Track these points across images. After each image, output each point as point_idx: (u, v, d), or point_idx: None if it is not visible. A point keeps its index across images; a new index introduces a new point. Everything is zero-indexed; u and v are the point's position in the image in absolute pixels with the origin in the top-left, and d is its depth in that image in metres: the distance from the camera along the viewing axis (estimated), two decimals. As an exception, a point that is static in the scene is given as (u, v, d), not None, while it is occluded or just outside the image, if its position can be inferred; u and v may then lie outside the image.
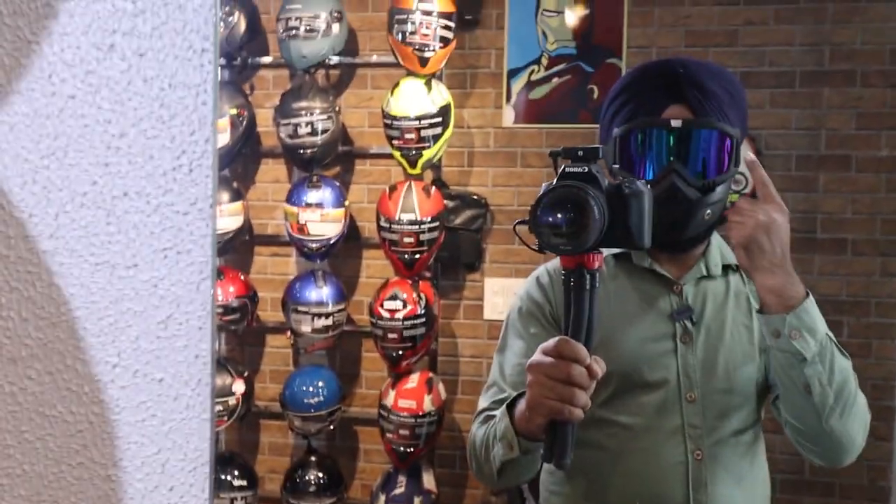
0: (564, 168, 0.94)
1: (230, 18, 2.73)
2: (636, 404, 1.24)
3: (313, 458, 2.85)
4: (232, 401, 2.76)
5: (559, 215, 0.90)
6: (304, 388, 2.77)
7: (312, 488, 2.79)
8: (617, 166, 1.23)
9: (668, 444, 1.23)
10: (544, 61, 2.93)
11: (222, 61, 2.87)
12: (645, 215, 0.95)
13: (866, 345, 2.81)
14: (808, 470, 2.83)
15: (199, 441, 0.51)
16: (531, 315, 1.31)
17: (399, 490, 2.75)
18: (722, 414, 1.25)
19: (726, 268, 1.31)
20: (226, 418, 2.75)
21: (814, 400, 1.13)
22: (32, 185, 0.51)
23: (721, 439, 1.24)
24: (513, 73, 2.95)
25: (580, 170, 0.93)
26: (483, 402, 1.30)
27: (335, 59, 2.88)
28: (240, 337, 2.87)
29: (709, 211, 1.20)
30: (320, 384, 2.78)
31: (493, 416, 1.20)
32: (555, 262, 1.34)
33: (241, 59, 2.85)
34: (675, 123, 1.19)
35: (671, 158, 1.18)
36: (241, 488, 2.79)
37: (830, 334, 1.16)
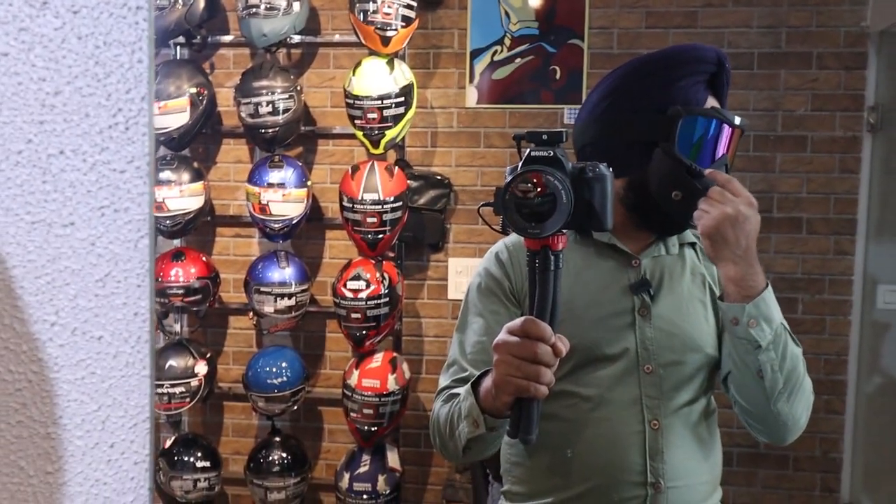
0: (530, 152, 0.95)
1: (189, -5, 2.69)
2: (595, 376, 1.27)
3: (277, 439, 2.85)
4: (194, 382, 2.74)
5: (527, 199, 0.91)
6: (268, 369, 2.76)
7: (276, 468, 2.79)
8: (668, 144, 1.21)
9: (625, 414, 1.25)
10: (507, 42, 2.93)
11: (182, 40, 2.83)
12: (608, 198, 0.97)
13: (820, 321, 2.89)
14: (763, 443, 2.91)
15: (140, 397, 0.51)
16: (490, 292, 1.32)
17: (363, 469, 2.76)
18: (677, 385, 1.28)
19: (682, 244, 1.34)
20: (188, 400, 2.74)
21: (764, 384, 1.18)
22: (-34, 143, 0.51)
23: (676, 409, 1.27)
24: (476, 54, 2.95)
25: (545, 153, 0.94)
26: (444, 381, 1.31)
27: (297, 38, 2.85)
28: (202, 318, 2.85)
29: None
30: (284, 365, 2.78)
31: (457, 395, 1.21)
32: (513, 238, 1.35)
33: (200, 37, 2.81)
34: (738, 121, 1.25)
35: (724, 153, 1.24)
36: (204, 469, 2.78)
37: (785, 323, 1.20)
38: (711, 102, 1.25)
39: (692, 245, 1.36)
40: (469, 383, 1.15)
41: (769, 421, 1.23)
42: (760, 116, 2.87)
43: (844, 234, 2.86)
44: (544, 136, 0.95)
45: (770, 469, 2.93)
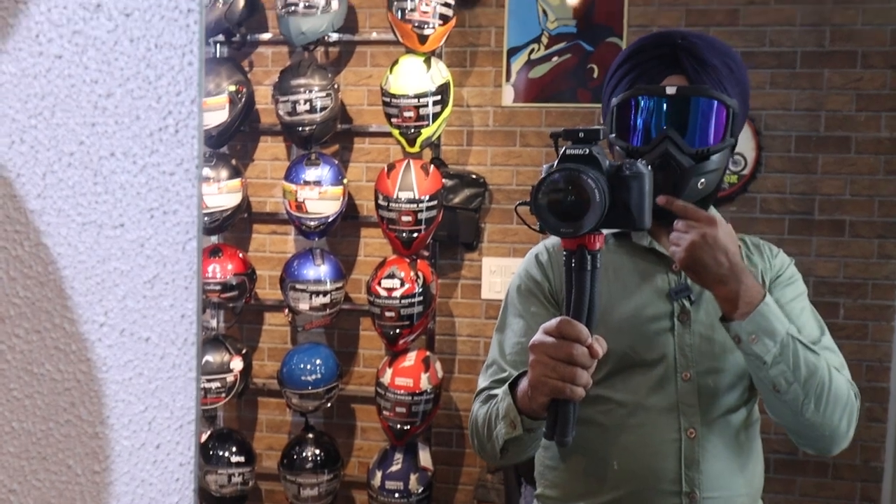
0: (565, 150, 0.94)
1: (229, -6, 2.72)
2: (632, 382, 1.25)
3: (310, 436, 2.87)
4: (230, 378, 2.77)
5: (560, 198, 0.90)
6: (302, 366, 2.78)
7: (309, 465, 2.81)
8: (613, 135, 1.24)
9: (662, 421, 1.23)
10: (544, 40, 2.91)
11: (221, 38, 2.86)
12: (645, 196, 0.95)
13: (862, 326, 2.82)
14: (801, 451, 2.85)
15: (186, 399, 0.51)
16: (530, 293, 1.31)
17: (395, 467, 2.77)
18: (716, 393, 1.25)
19: None
20: (224, 395, 2.77)
21: (783, 397, 1.16)
22: (20, 144, 0.51)
23: (714, 418, 1.25)
24: (513, 52, 2.93)
25: (581, 152, 0.93)
26: (483, 382, 1.30)
27: (334, 37, 2.86)
28: (238, 315, 2.88)
29: (703, 180, 1.20)
30: (318, 362, 2.79)
31: (495, 396, 1.21)
32: (553, 240, 1.34)
33: (239, 35, 2.84)
34: (670, 90, 1.19)
35: (665, 125, 1.19)
36: (238, 464, 2.81)
37: (793, 332, 1.17)
38: (673, 81, 1.22)
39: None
40: (507, 384, 1.15)
41: (806, 432, 1.21)
42: (802, 116, 2.81)
43: (889, 237, 2.79)
44: (581, 134, 0.94)
45: (809, 477, 2.87)
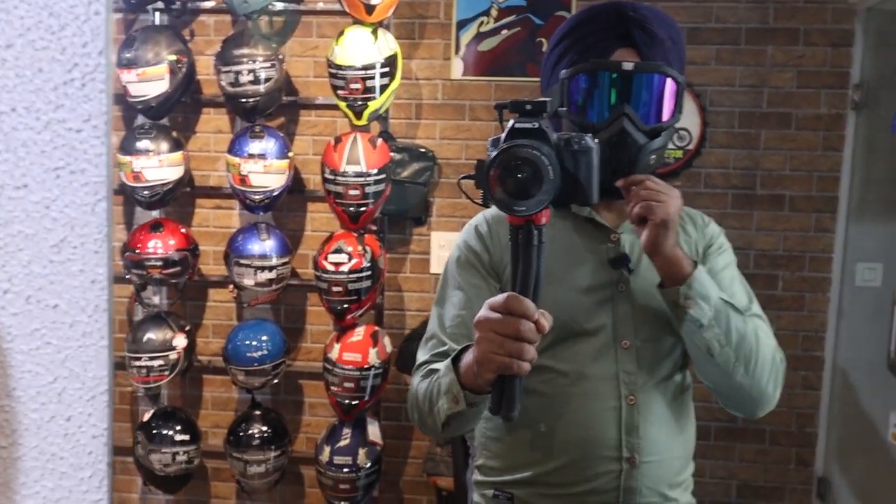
0: (514, 123, 0.92)
1: (167, -41, 2.62)
2: (573, 351, 1.26)
3: (257, 412, 2.84)
4: (173, 355, 2.71)
5: (513, 174, 0.88)
6: (248, 342, 2.74)
7: (256, 442, 2.78)
8: (564, 109, 1.22)
9: (602, 389, 1.25)
10: (493, 13, 2.89)
11: (160, 5, 2.76)
12: (593, 171, 0.94)
13: (799, 297, 2.90)
14: (740, 418, 2.93)
15: (98, 368, 0.49)
16: (470, 265, 1.30)
17: (344, 442, 2.76)
18: (653, 360, 1.27)
19: None
20: (167, 373, 2.71)
21: (717, 361, 1.20)
22: (-89, 98, 0.47)
23: (652, 385, 1.27)
24: (462, 24, 2.90)
25: (530, 125, 0.91)
26: (423, 356, 1.29)
27: (279, 6, 2.79)
28: (181, 291, 2.81)
29: (653, 157, 1.21)
30: (264, 338, 2.75)
31: (436, 370, 1.20)
32: (493, 210, 1.33)
33: (180, 2, 2.75)
34: (627, 66, 1.19)
35: (622, 102, 1.18)
36: (183, 443, 2.76)
37: (725, 297, 1.21)
38: (624, 55, 1.22)
39: None
40: (449, 359, 1.14)
41: (735, 396, 1.25)
42: (746, 92, 2.85)
43: (825, 211, 2.87)
44: (528, 107, 0.92)
45: (747, 443, 2.96)
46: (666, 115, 1.21)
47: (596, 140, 0.96)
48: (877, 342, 2.68)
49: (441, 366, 1.18)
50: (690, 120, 2.86)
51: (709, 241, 1.36)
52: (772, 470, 2.97)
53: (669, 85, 1.21)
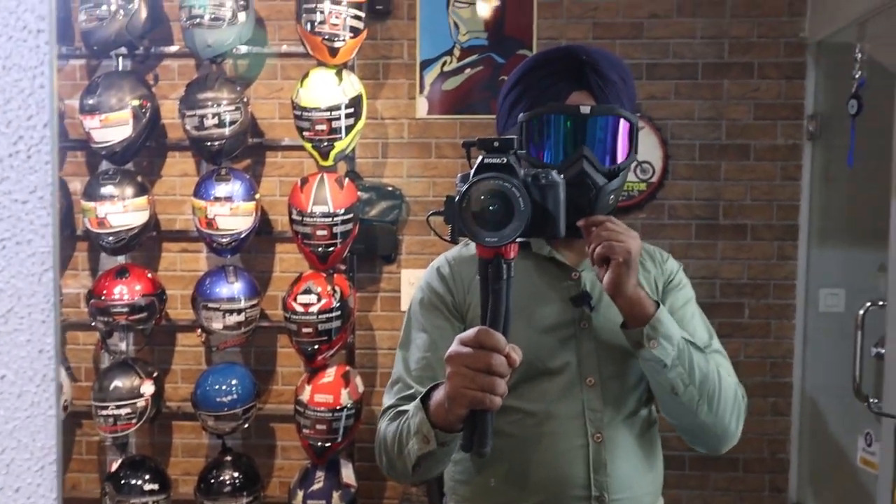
0: (483, 159, 0.94)
1: (130, 6, 2.63)
2: (539, 390, 1.26)
3: (228, 458, 2.79)
4: (141, 403, 2.67)
5: (484, 207, 0.90)
6: (217, 387, 2.71)
7: (228, 488, 2.73)
8: (523, 152, 1.24)
9: (569, 428, 1.25)
10: (456, 52, 2.94)
11: (123, 51, 2.76)
12: (560, 205, 0.97)
13: (765, 325, 2.94)
14: (714, 447, 2.95)
15: (46, 438, 0.48)
16: (433, 307, 1.30)
17: (317, 485, 2.72)
18: (619, 397, 1.28)
19: None
20: (135, 421, 2.66)
21: (680, 399, 1.21)
22: None
23: (619, 421, 1.27)
24: (425, 64, 2.95)
25: (499, 161, 0.93)
26: (388, 399, 1.28)
27: (243, 49, 2.81)
28: (148, 337, 2.78)
29: (612, 196, 1.24)
30: (233, 382, 2.72)
31: (404, 412, 1.19)
32: (455, 252, 1.34)
33: (143, 48, 2.75)
34: (585, 110, 1.21)
35: (580, 144, 1.20)
36: (152, 492, 2.71)
37: (687, 336, 1.23)
38: (579, 98, 1.25)
39: None
40: (419, 399, 1.13)
41: (698, 433, 1.27)
42: (706, 125, 2.92)
43: (787, 239, 2.93)
44: (495, 143, 0.94)
45: (721, 472, 2.97)
46: (622, 156, 1.24)
47: (561, 175, 0.98)
48: (842, 367, 2.72)
49: (409, 407, 1.17)
50: (653, 153, 2.92)
51: (668, 278, 1.38)
52: (746, 498, 2.98)
53: (624, 126, 1.24)
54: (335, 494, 2.72)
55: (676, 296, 1.35)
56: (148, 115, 2.68)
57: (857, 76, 2.54)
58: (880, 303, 2.30)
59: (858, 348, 2.45)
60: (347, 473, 2.78)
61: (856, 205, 2.92)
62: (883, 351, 2.22)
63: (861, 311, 2.44)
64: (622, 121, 1.23)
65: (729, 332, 2.93)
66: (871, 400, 2.28)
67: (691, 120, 2.92)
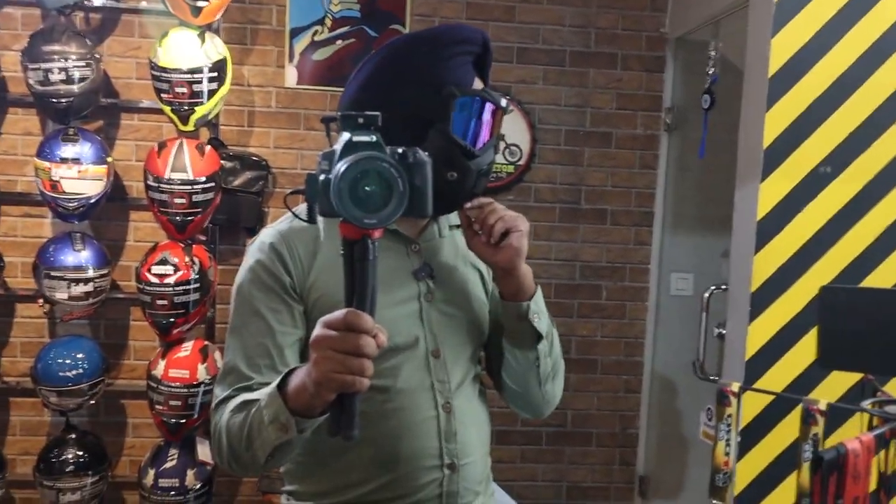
0: (351, 137, 0.90)
1: (-34, -56, 2.39)
2: (388, 367, 1.24)
3: (72, 436, 2.63)
4: (-28, 377, 2.47)
5: (363, 188, 0.86)
6: (61, 361, 2.54)
7: (70, 468, 2.57)
8: (443, 126, 1.21)
9: (419, 400, 1.25)
10: (328, 22, 2.87)
11: (-39, -6, 2.52)
12: (428, 183, 0.95)
13: (621, 306, 3.08)
14: (569, 422, 3.07)
15: None
16: (268, 289, 1.21)
17: (170, 464, 2.62)
18: (462, 366, 1.30)
19: (449, 227, 1.37)
20: (-35, 397, 2.46)
21: (540, 370, 1.27)
22: None
23: (462, 390, 1.29)
24: (295, 32, 2.86)
25: (369, 139, 0.89)
26: (223, 391, 1.19)
27: (97, 2, 2.62)
28: (-17, 306, 2.57)
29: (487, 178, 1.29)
30: (79, 356, 2.56)
31: (249, 403, 1.13)
32: (284, 225, 1.27)
33: (-17, -8, 2.52)
34: (503, 101, 1.26)
35: (496, 133, 1.25)
36: (-17, 473, 2.52)
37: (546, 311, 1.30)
38: (478, 83, 1.26)
39: (458, 227, 1.38)
40: (273, 386, 1.08)
41: (536, 401, 1.34)
42: (571, 112, 3.01)
43: (643, 225, 3.07)
44: (360, 120, 0.90)
45: (575, 446, 3.10)
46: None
47: (427, 153, 0.97)
48: (689, 347, 2.89)
49: (259, 395, 1.11)
50: (521, 136, 2.97)
51: None
52: (598, 471, 3.13)
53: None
54: (189, 472, 2.63)
55: None
56: (-15, 65, 2.45)
57: (710, 72, 2.68)
58: (723, 287, 2.46)
59: (703, 329, 2.62)
60: (203, 451, 2.69)
61: (705, 194, 3.10)
62: (725, 332, 2.38)
63: (706, 294, 2.61)
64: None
65: (587, 313, 3.05)
66: (712, 378, 2.44)
67: (558, 106, 3.00)
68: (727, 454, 1.62)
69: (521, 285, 1.23)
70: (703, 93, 2.67)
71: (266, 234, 1.26)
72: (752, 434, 2.15)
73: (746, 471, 2.17)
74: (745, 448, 2.14)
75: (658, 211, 3.08)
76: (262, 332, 1.20)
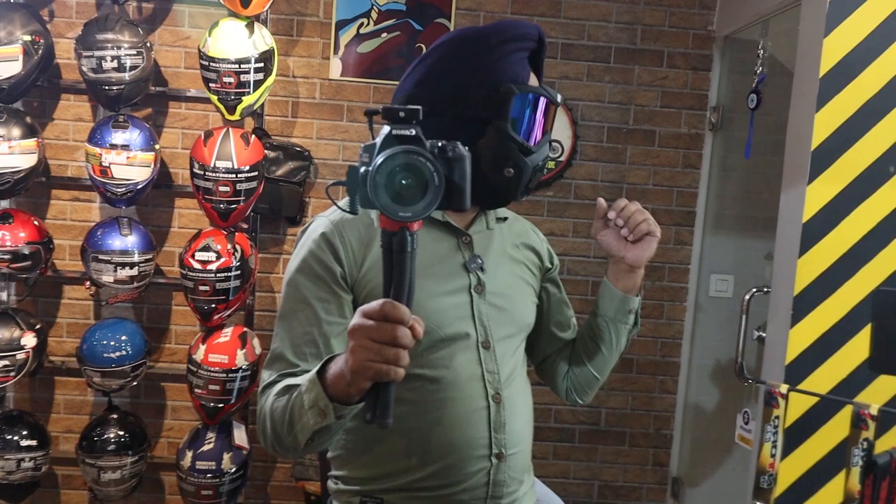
0: (391, 130, 0.91)
1: (26, -67, 2.45)
2: (439, 357, 1.26)
3: (114, 416, 2.70)
4: (21, 355, 2.54)
5: (399, 182, 0.88)
6: (105, 342, 2.60)
7: (112, 447, 2.64)
8: (503, 122, 1.23)
9: (470, 391, 1.26)
10: (374, 15, 2.88)
11: (19, -18, 2.58)
12: (467, 178, 0.95)
13: (659, 306, 3.06)
14: (603, 421, 3.06)
15: None
16: (318, 278, 1.24)
17: (208, 447, 2.67)
18: (511, 357, 1.32)
19: (497, 219, 1.39)
20: (13, 374, 2.53)
21: (615, 357, 1.44)
22: None
23: (511, 380, 1.31)
24: (341, 25, 2.88)
25: (408, 132, 0.90)
26: (269, 376, 1.22)
27: (150, -9, 2.67)
28: (32, 287, 2.64)
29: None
30: (123, 338, 2.62)
31: (293, 387, 1.15)
32: (337, 216, 1.28)
33: (39, -19, 2.58)
34: (560, 99, 1.31)
35: (549, 131, 1.30)
36: (29, 448, 2.59)
37: None
38: (533, 79, 1.27)
39: (504, 220, 1.40)
40: (313, 372, 1.10)
41: (593, 385, 1.47)
42: (615, 109, 2.98)
43: (684, 225, 3.04)
44: (401, 114, 0.91)
45: (609, 445, 3.09)
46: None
47: (466, 147, 0.97)
48: (726, 349, 2.86)
49: (301, 380, 1.14)
50: (563, 133, 2.96)
51: (550, 258, 1.49)
52: (631, 470, 3.11)
53: None
54: (226, 456, 2.67)
55: (556, 276, 1.50)
56: (41, 52, 2.52)
57: (758, 71, 2.64)
58: (765, 289, 2.43)
59: (742, 332, 2.59)
60: (240, 435, 2.74)
61: (749, 195, 3.05)
62: (764, 335, 2.35)
63: (747, 297, 2.57)
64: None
65: (624, 311, 3.02)
66: (756, 380, 2.41)
67: (601, 102, 2.98)
68: (773, 456, 1.61)
69: (637, 282, 1.38)
70: (749, 92, 2.63)
71: (319, 224, 1.28)
72: (795, 437, 2.13)
73: (787, 473, 2.14)
74: (786, 451, 2.12)
75: (700, 211, 3.04)
76: (310, 322, 1.22)
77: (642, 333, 3.05)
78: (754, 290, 2.56)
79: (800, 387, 2.08)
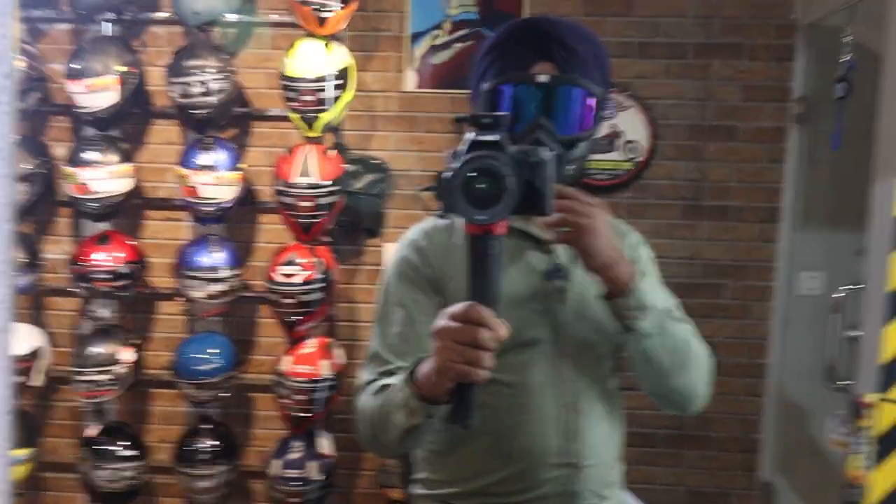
0: (474, 136, 0.94)
1: (116, -31, 2.59)
2: (515, 362, 1.27)
3: (206, 426, 2.80)
4: (120, 369, 2.67)
5: (476, 185, 0.90)
6: (197, 356, 2.71)
7: (205, 456, 2.74)
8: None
9: (545, 397, 1.27)
10: (447, 26, 2.92)
11: (111, 16, 2.73)
12: (547, 183, 0.97)
13: (745, 306, 2.96)
14: (686, 425, 2.98)
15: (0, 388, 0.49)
16: (410, 280, 1.29)
17: (295, 455, 2.74)
18: (591, 366, 1.30)
19: None
20: (114, 388, 2.67)
21: (657, 367, 1.23)
22: None
23: (591, 390, 1.29)
24: (416, 37, 2.92)
25: (489, 138, 0.93)
26: (367, 375, 1.27)
27: (232, 17, 2.78)
28: (129, 304, 2.77)
29: (572, 167, 1.24)
30: (214, 351, 2.73)
31: (387, 387, 1.19)
32: (429, 223, 1.33)
33: (131, 14, 2.72)
34: (542, 79, 1.22)
35: (538, 114, 1.21)
36: (128, 458, 2.72)
37: (668, 305, 1.26)
38: (543, 69, 1.24)
39: None
40: (406, 373, 1.14)
41: (671, 397, 1.30)
42: (694, 106, 2.92)
43: (769, 222, 2.94)
44: (487, 120, 0.94)
45: (694, 450, 3.01)
46: (582, 127, 1.25)
47: (552, 152, 0.99)
48: (817, 349, 2.74)
49: (394, 380, 1.17)
50: (640, 132, 2.92)
51: (633, 248, 1.39)
52: (718, 476, 3.02)
53: (585, 96, 1.24)
54: (312, 464, 2.74)
55: (642, 267, 1.36)
56: (134, 81, 2.65)
57: (845, 59, 2.54)
58: (858, 286, 2.32)
59: (836, 331, 2.48)
60: (326, 444, 2.80)
61: (838, 189, 2.93)
62: (856, 334, 2.24)
63: (838, 295, 2.46)
64: (583, 91, 1.23)
65: (708, 313, 2.94)
66: (844, 384, 2.31)
67: (680, 100, 2.92)
68: (862, 468, 1.53)
69: (607, 278, 1.19)
70: (836, 81, 2.53)
71: (411, 231, 1.34)
72: (889, 444, 2.02)
73: (880, 483, 2.04)
74: (878, 460, 2.02)
75: (786, 207, 2.93)
76: (403, 322, 1.27)
77: (726, 335, 2.96)
78: (846, 287, 2.45)
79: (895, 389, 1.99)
